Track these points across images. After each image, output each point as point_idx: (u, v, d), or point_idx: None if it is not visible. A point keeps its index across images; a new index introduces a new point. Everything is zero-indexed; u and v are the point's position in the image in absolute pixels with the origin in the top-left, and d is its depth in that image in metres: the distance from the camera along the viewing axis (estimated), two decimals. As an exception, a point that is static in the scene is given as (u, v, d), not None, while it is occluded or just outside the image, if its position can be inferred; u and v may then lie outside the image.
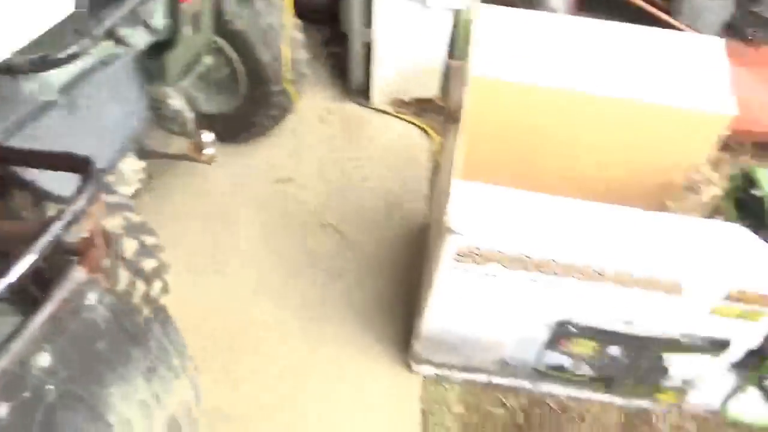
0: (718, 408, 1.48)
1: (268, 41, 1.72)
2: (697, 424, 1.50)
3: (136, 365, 0.93)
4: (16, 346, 0.75)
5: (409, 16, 1.95)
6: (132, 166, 1.50)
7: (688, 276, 1.18)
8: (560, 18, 1.80)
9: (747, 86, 2.02)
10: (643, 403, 1.51)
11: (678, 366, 1.40)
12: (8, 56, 1.04)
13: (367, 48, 2.06)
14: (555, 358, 1.44)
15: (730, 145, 2.02)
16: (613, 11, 2.08)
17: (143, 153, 1.58)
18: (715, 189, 1.52)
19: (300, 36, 1.86)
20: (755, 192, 1.42)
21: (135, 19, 1.31)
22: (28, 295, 0.84)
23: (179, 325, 1.11)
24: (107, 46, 1.27)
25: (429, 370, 1.55)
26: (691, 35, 1.72)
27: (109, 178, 1.42)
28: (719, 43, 1.60)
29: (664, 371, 1.44)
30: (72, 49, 1.10)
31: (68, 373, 0.81)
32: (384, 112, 2.16)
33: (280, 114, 1.94)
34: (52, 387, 0.79)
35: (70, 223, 0.78)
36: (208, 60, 1.74)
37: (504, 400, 1.54)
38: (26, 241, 0.73)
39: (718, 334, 1.28)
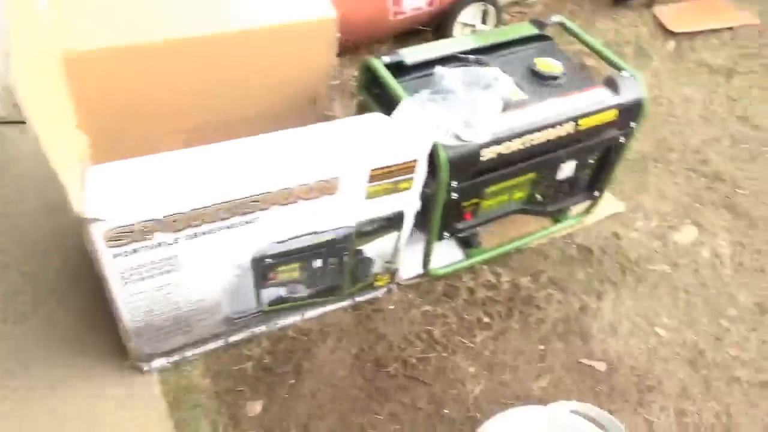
0: (426, 271, 1.69)
1: None
2: (414, 291, 1.67)
3: None
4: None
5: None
6: None
7: (337, 172, 1.23)
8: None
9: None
10: (368, 294, 1.62)
11: (375, 251, 1.53)
12: None
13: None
14: (271, 293, 1.43)
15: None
16: None
17: None
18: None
19: None
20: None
21: None
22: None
23: None
24: None
25: (161, 362, 1.44)
26: None
27: None
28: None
29: (368, 261, 1.56)
30: None
31: None
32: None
33: None
34: None
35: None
36: None
37: (247, 352, 1.53)
38: None
39: (386, 212, 1.41)
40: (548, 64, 1.60)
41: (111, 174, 1.15)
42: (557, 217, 1.85)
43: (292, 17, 1.52)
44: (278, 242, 1.34)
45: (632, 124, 1.57)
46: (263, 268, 1.38)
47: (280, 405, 1.43)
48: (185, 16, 1.46)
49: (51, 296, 1.55)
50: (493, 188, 1.53)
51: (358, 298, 1.64)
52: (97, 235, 1.09)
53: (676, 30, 2.67)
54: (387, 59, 1.53)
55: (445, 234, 1.60)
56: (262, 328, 1.52)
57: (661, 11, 2.80)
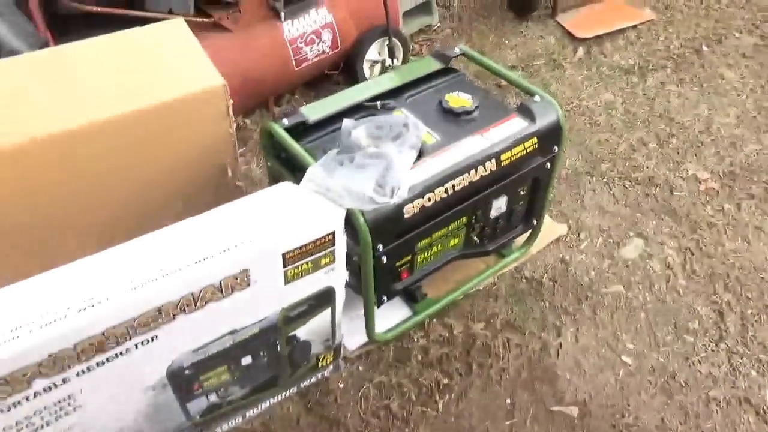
0: (372, 338, 1.59)
1: None
2: (364, 362, 1.56)
3: None
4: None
5: None
6: None
7: (245, 264, 1.12)
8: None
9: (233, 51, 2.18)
10: (314, 377, 1.49)
11: (311, 332, 1.41)
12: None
13: None
14: (200, 403, 1.28)
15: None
16: (90, 26, 1.97)
17: None
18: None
19: None
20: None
21: None
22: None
23: None
24: None
25: None
26: (152, 27, 1.65)
27: None
28: (179, 23, 1.58)
29: (305, 345, 1.43)
30: None
31: None
32: None
33: None
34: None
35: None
36: None
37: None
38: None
39: (313, 291, 1.31)
40: (459, 99, 1.56)
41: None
42: (501, 251, 1.81)
43: (176, 92, 1.42)
44: (195, 350, 1.21)
45: (555, 148, 1.55)
46: (183, 381, 1.23)
47: None
48: (55, 107, 1.34)
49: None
50: (425, 242, 1.45)
51: (304, 383, 1.51)
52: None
53: (582, 36, 2.74)
54: (287, 122, 1.45)
55: (384, 298, 1.51)
56: (201, 443, 1.38)
57: (564, 19, 2.88)
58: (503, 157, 1.43)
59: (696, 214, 1.94)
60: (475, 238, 1.60)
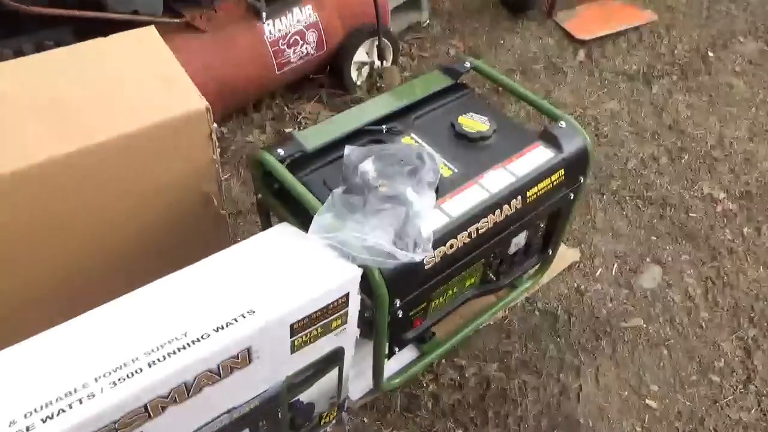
0: (379, 387, 1.46)
1: None
2: (369, 413, 1.44)
3: None
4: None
5: None
6: None
7: (246, 343, 0.94)
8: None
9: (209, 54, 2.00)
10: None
11: (315, 395, 1.26)
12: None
13: None
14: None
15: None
16: (44, 25, 1.74)
17: None
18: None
19: None
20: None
21: None
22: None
23: None
24: None
25: None
26: (118, 37, 1.44)
27: None
28: (150, 33, 1.39)
29: (309, 407, 1.28)
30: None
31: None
32: None
33: None
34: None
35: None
36: None
37: None
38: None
39: (321, 355, 1.17)
40: (474, 122, 1.42)
41: None
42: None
43: (153, 117, 1.23)
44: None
45: (580, 178, 1.43)
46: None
47: None
48: (13, 138, 1.14)
49: None
50: (442, 288, 1.33)
51: (307, 445, 1.38)
52: None
53: (583, 37, 2.63)
54: (282, 152, 1.29)
55: (396, 349, 1.37)
56: None
57: (562, 19, 2.75)
58: (529, 193, 1.30)
59: (714, 238, 1.86)
60: (491, 275, 1.48)
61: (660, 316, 1.67)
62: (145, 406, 0.86)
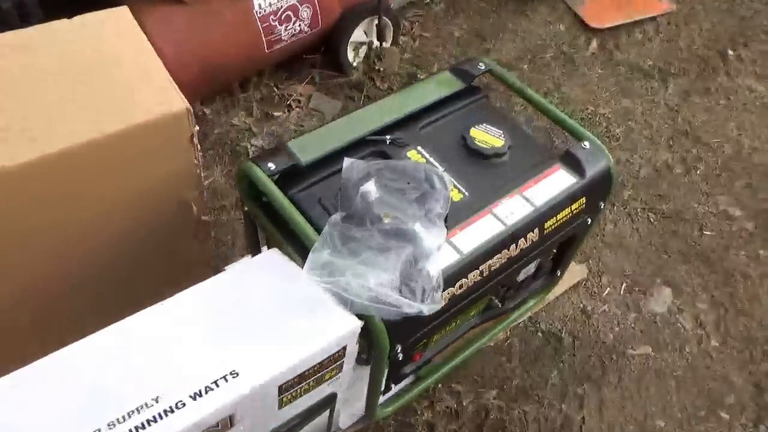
0: (372, 417, 1.36)
1: None
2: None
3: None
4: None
5: None
6: None
7: (229, 410, 0.82)
8: None
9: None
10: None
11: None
12: None
13: None
14: None
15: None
16: None
17: None
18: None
19: None
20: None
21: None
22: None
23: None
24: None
25: None
26: (84, 20, 1.21)
27: None
28: (123, 14, 1.21)
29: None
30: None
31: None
32: None
33: None
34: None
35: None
36: None
37: None
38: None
39: (311, 403, 1.06)
40: (487, 136, 1.28)
41: None
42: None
43: (128, 119, 1.08)
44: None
45: (601, 204, 1.32)
46: None
47: None
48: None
49: None
50: (446, 326, 1.22)
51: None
52: None
53: (596, 26, 2.46)
54: (273, 166, 1.14)
55: (392, 385, 1.27)
56: None
57: (575, 3, 2.57)
58: (547, 224, 1.18)
59: (729, 260, 1.77)
60: (497, 302, 1.38)
61: (669, 343, 1.59)
62: (108, 493, 0.76)
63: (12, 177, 1.00)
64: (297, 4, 1.99)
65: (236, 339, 0.88)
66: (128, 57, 1.18)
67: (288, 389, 0.90)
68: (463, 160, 1.26)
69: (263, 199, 1.22)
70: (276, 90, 2.14)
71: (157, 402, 0.80)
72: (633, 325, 1.62)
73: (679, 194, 1.94)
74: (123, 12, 1.24)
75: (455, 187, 1.19)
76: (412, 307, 0.92)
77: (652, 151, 2.06)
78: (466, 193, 1.18)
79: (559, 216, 1.20)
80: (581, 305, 1.64)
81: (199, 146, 1.23)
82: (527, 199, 1.17)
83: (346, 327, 0.90)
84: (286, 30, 2.00)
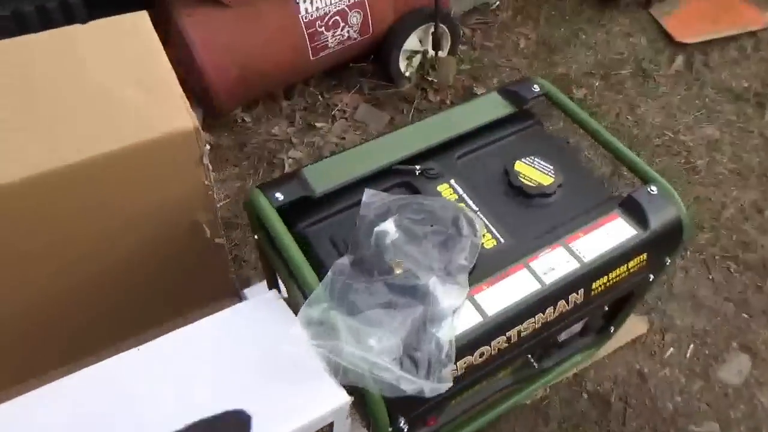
0: None
1: None
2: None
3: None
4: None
5: None
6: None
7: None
8: None
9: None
10: None
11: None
12: None
13: None
14: None
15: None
16: None
17: None
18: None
19: None
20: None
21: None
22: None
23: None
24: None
25: None
26: (104, 24, 1.15)
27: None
28: (142, 20, 1.12)
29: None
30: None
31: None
32: None
33: None
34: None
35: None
36: None
37: None
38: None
39: None
40: (534, 171, 1.12)
41: None
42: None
43: (131, 137, 0.99)
44: None
45: (667, 260, 1.13)
46: None
47: None
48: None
49: None
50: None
51: None
52: None
53: (683, 40, 2.20)
54: (281, 197, 1.03)
55: None
56: None
57: (660, 14, 2.31)
58: (596, 285, 1.01)
59: (826, 328, 1.52)
60: (533, 362, 1.21)
61: (742, 422, 1.36)
62: None
63: (4, 194, 0.96)
64: (346, 9, 1.88)
65: (204, 403, 0.78)
66: (139, 68, 1.10)
67: (262, 466, 0.79)
68: (502, 199, 1.10)
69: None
70: (321, 98, 2.05)
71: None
72: (698, 395, 1.40)
73: (769, 242, 1.70)
74: (141, 18, 1.16)
75: (488, 231, 1.03)
76: (413, 384, 0.78)
77: (739, 189, 1.80)
78: (501, 240, 1.02)
79: (612, 275, 1.02)
80: (637, 366, 1.43)
81: (210, 167, 1.14)
82: (573, 253, 0.99)
83: (331, 402, 0.77)
84: (333, 36, 1.89)
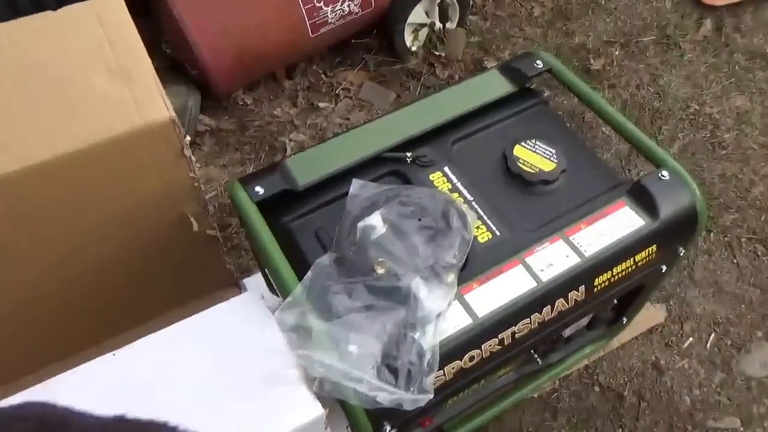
0: None
1: None
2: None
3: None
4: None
5: None
6: None
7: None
8: None
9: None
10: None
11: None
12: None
13: None
14: None
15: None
16: None
17: None
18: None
19: None
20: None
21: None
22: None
23: None
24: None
25: None
26: (75, 8, 1.08)
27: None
28: (116, 4, 1.06)
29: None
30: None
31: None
32: None
33: None
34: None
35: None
36: None
37: None
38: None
39: None
40: (534, 156, 1.04)
41: None
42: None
43: (103, 132, 0.95)
44: None
45: (680, 249, 1.05)
46: None
47: None
48: None
49: None
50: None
51: None
52: None
53: (713, 2, 2.05)
54: (261, 190, 0.98)
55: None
56: None
57: (689, -28, 2.18)
58: (598, 281, 0.94)
59: None
60: (537, 358, 1.16)
61: (765, 418, 1.28)
62: None
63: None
64: (347, -19, 1.80)
65: (163, 415, 0.75)
66: (111, 56, 1.05)
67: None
68: (500, 188, 1.03)
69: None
70: (324, 77, 1.98)
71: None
72: (719, 389, 1.32)
73: (801, 223, 1.59)
74: (114, 2, 1.12)
75: (483, 224, 0.97)
76: (391, 395, 0.73)
77: (770, 164, 1.71)
78: (497, 233, 0.95)
79: (617, 270, 0.95)
80: (653, 357, 1.36)
81: (193, 159, 1.10)
82: (574, 247, 0.92)
83: (304, 415, 0.73)
84: (333, 11, 1.81)
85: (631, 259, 0.94)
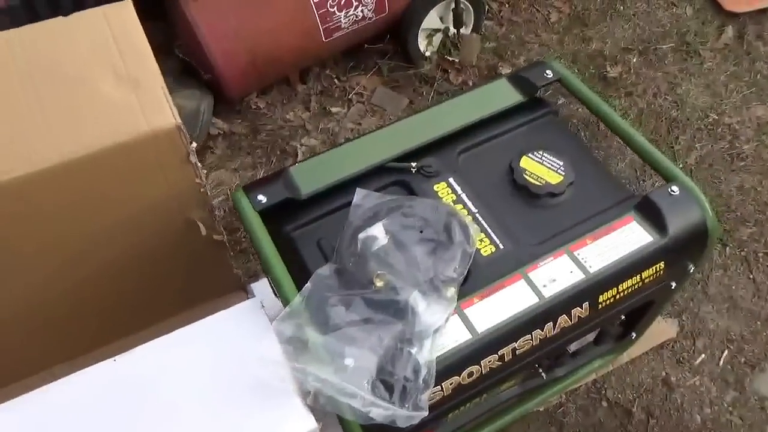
0: None
1: None
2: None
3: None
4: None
5: None
6: None
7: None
8: None
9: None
10: None
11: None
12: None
13: None
14: None
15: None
16: None
17: None
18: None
19: None
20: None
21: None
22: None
23: None
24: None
25: None
26: (84, 15, 1.09)
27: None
28: (125, 11, 1.07)
29: None
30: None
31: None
32: None
33: None
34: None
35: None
36: None
37: None
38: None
39: None
40: (541, 168, 1.03)
41: None
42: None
43: (107, 138, 0.96)
44: None
45: (690, 267, 1.03)
46: None
47: None
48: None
49: None
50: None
51: None
52: None
53: (735, 9, 2.01)
54: (264, 199, 0.98)
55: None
56: None
57: (710, -21, 2.14)
58: (603, 298, 0.93)
59: None
60: (541, 372, 1.14)
61: (779, 439, 1.27)
62: None
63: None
64: (361, -14, 1.80)
65: (165, 420, 0.75)
66: (119, 62, 1.06)
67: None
68: (505, 200, 1.02)
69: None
70: (338, 82, 1.98)
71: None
72: (730, 408, 1.29)
73: (821, 239, 1.54)
74: (124, 7, 1.13)
75: (487, 237, 0.96)
76: (384, 411, 0.73)
77: (791, 177, 1.66)
78: (501, 246, 0.94)
79: (622, 287, 0.93)
80: (664, 373, 1.33)
81: (199, 165, 1.11)
82: (578, 262, 0.91)
83: (298, 428, 0.73)
84: (346, 16, 1.81)
85: (638, 276, 0.93)
